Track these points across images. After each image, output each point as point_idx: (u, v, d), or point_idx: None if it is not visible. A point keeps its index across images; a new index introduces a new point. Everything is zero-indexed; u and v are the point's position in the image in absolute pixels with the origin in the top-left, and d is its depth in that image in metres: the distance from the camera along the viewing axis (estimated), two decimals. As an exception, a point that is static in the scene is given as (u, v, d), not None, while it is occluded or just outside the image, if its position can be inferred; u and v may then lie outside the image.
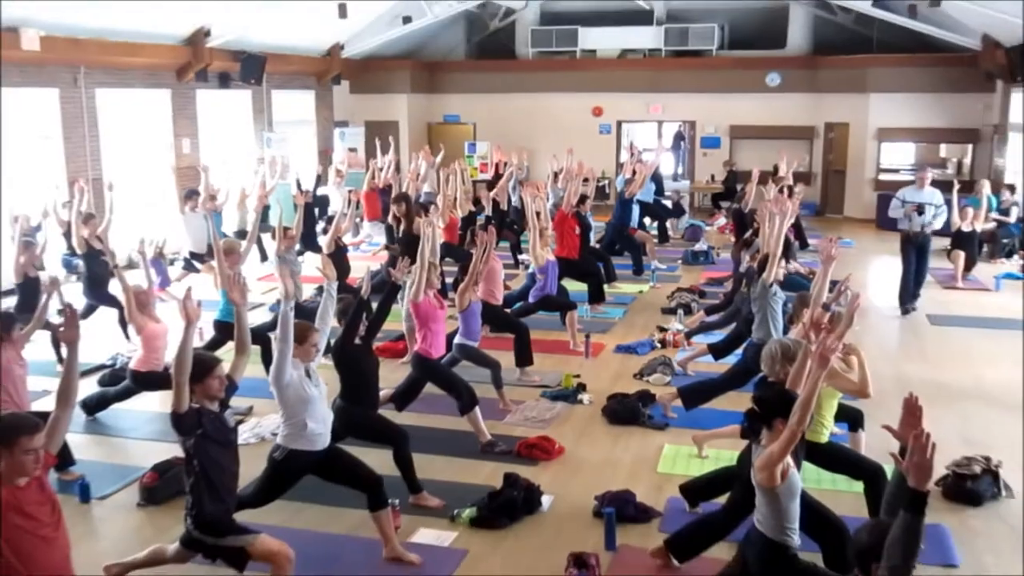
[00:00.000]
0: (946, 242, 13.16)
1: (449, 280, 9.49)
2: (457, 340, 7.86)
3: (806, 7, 19.73)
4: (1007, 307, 11.76)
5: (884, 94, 18.63)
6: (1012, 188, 15.41)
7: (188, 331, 4.51)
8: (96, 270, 9.73)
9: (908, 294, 11.01)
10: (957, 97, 18.19)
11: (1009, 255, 14.77)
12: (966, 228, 12.87)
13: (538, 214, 10.17)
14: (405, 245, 9.52)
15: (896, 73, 18.46)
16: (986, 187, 13.73)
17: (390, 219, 11.28)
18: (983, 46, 16.42)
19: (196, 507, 4.56)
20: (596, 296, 11.38)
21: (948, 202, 11.70)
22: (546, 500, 6.21)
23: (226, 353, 7.03)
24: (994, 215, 14.38)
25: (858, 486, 5.66)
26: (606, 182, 20.07)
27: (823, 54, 19.61)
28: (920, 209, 10.76)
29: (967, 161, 18.88)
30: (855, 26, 19.48)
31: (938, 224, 10.98)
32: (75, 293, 10.02)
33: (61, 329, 4.16)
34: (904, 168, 19.51)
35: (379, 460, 5.89)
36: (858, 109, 19.00)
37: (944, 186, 12.27)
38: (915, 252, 10.94)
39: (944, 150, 19.71)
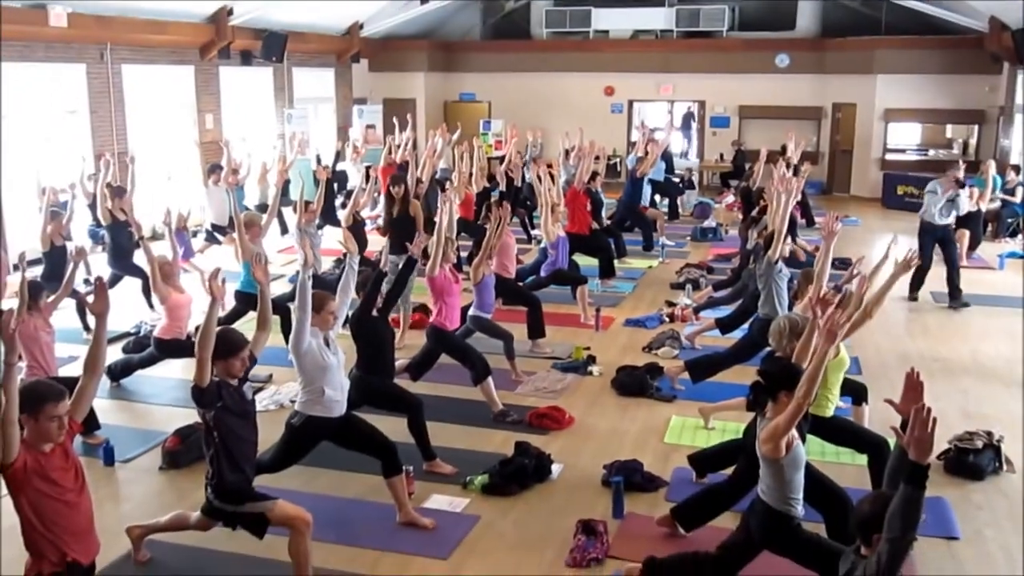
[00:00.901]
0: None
1: (464, 254, 9.47)
2: (471, 312, 7.86)
3: (816, -11, 19.55)
4: (1010, 285, 11.68)
5: (891, 75, 18.47)
6: (1017, 168, 15.26)
7: (212, 308, 4.50)
8: (121, 241, 9.75)
9: (919, 283, 10.65)
10: (963, 79, 18.01)
11: (1013, 234, 14.66)
12: (971, 208, 12.72)
13: (550, 190, 10.14)
14: (398, 225, 9.45)
15: (903, 55, 18.28)
16: (991, 167, 13.58)
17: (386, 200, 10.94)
18: (990, 28, 16.25)
19: (216, 477, 4.56)
20: (607, 271, 11.36)
21: None
22: (556, 468, 6.22)
23: (246, 323, 7.07)
24: (999, 195, 14.24)
25: (861, 459, 5.64)
26: (617, 160, 20.02)
27: (831, 36, 19.44)
28: (961, 183, 10.58)
29: (973, 142, 18.73)
30: (863, 8, 19.30)
31: (963, 208, 10.79)
32: (100, 263, 10.06)
33: (90, 300, 4.16)
34: (910, 148, 19.37)
35: (394, 428, 5.91)
36: (865, 90, 18.85)
37: (949, 166, 12.12)
38: (935, 242, 10.55)
39: (950, 131, 19.55)
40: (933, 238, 10.59)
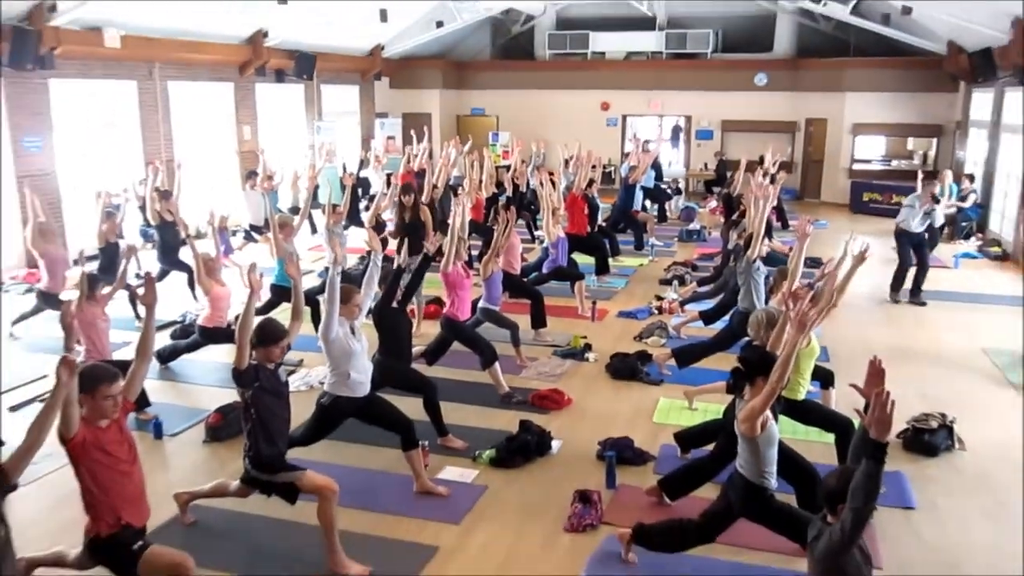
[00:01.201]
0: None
1: (475, 253, 9.46)
2: (481, 304, 7.87)
3: (791, 15, 19.46)
4: (964, 282, 11.68)
5: (859, 93, 18.44)
6: (971, 177, 15.26)
7: (251, 298, 4.53)
8: (168, 239, 9.78)
9: (901, 283, 10.56)
10: (924, 96, 17.97)
11: (967, 237, 14.66)
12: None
13: (551, 196, 10.14)
14: (409, 229, 9.45)
15: (870, 74, 18.25)
16: (948, 177, 13.52)
17: (397, 206, 10.47)
18: (948, 51, 16.16)
19: (253, 449, 4.58)
20: (602, 268, 11.35)
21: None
22: (556, 444, 6.24)
23: (279, 313, 7.09)
24: (954, 201, 14.21)
25: (829, 437, 5.64)
26: (612, 169, 19.98)
27: (805, 57, 19.38)
28: (936, 199, 10.57)
29: (931, 153, 18.65)
30: (834, 32, 19.22)
31: (939, 220, 10.79)
32: (150, 259, 10.09)
33: (141, 292, 4.20)
34: (875, 159, 19.31)
35: (411, 407, 5.92)
36: (835, 106, 18.81)
37: (910, 175, 12.08)
38: (912, 247, 10.44)
39: (911, 143, 19.46)
40: (910, 243, 10.49)
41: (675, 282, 10.94)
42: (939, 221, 10.89)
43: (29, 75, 11.27)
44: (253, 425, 4.54)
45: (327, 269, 5.29)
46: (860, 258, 6.24)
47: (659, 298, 10.31)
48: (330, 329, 5.17)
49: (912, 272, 10.56)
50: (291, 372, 7.30)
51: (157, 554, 3.81)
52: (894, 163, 19.09)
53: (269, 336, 4.54)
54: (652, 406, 7.06)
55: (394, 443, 5.50)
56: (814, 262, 10.21)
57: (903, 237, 10.48)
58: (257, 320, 4.59)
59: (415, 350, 6.96)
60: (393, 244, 9.92)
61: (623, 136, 20.97)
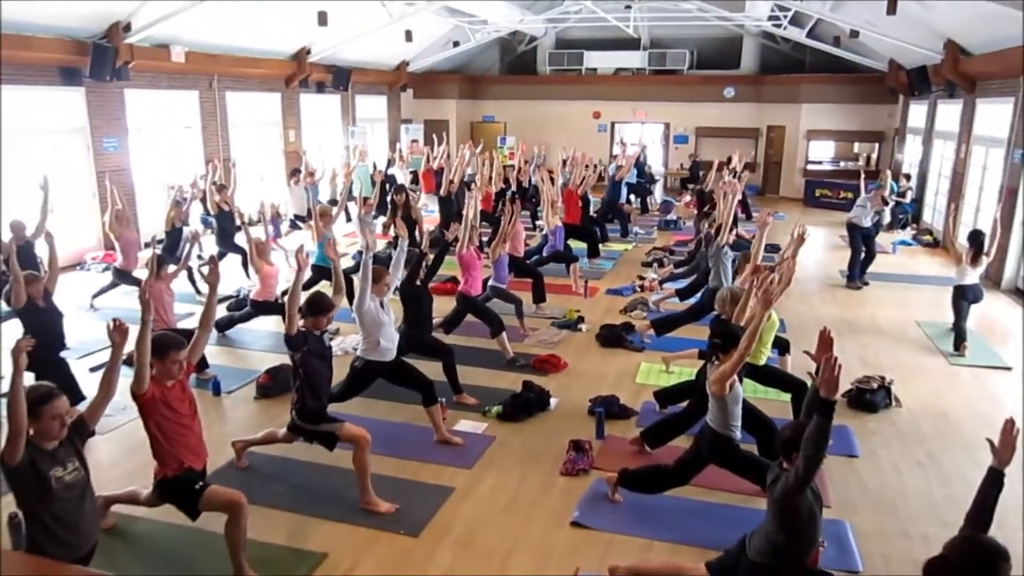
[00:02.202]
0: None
1: (485, 239, 9.42)
2: (491, 283, 7.83)
3: (755, 37, 19.25)
4: (901, 265, 11.59)
5: (813, 104, 18.28)
6: (908, 177, 15.15)
7: (299, 275, 4.51)
8: (225, 226, 9.74)
9: (856, 270, 10.33)
10: (868, 107, 17.81)
11: (904, 227, 14.56)
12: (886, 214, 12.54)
13: (550, 190, 10.08)
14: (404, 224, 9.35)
15: (822, 88, 18.09)
16: (889, 176, 13.42)
17: (391, 204, 10.30)
18: (889, 68, 16.00)
19: (300, 403, 4.57)
20: (593, 252, 11.31)
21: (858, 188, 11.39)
22: (553, 401, 6.23)
23: (319, 289, 7.05)
24: (893, 197, 14.11)
25: (785, 396, 5.62)
26: (602, 168, 19.83)
27: (767, 73, 19.19)
28: (886, 201, 10.48)
29: (874, 156, 18.51)
30: (792, 52, 19.02)
31: (886, 220, 10.74)
32: (209, 244, 10.06)
33: (206, 272, 4.19)
34: (826, 160, 19.16)
35: (431, 369, 5.91)
36: (792, 115, 18.63)
37: (855, 175, 11.97)
38: (862, 238, 10.26)
39: (857, 147, 19.28)
40: (861, 235, 10.31)
41: (655, 264, 10.90)
42: (887, 219, 10.79)
43: (107, 85, 11.20)
44: (301, 382, 4.52)
45: (360, 252, 5.25)
46: (800, 239, 6.24)
47: (641, 278, 10.26)
48: (363, 303, 5.15)
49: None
50: (331, 338, 7.28)
51: (215, 492, 3.81)
52: (842, 164, 18.94)
53: (319, 307, 4.51)
54: (635, 369, 7.04)
55: (417, 400, 5.49)
56: (773, 247, 10.16)
57: (855, 231, 10.36)
58: (306, 294, 4.56)
59: (434, 321, 6.93)
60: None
61: (612, 141, 20.81)
